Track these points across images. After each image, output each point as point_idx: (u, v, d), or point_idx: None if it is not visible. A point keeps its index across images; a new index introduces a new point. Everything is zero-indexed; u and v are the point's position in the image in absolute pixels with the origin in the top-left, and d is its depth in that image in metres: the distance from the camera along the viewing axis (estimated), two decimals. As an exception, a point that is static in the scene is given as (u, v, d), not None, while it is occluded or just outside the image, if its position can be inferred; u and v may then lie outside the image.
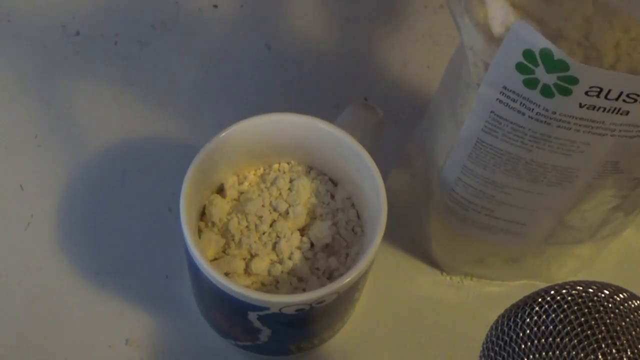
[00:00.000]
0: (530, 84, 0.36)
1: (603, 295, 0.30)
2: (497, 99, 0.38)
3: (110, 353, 0.49)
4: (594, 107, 0.36)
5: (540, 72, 0.36)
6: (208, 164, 0.44)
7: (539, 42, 0.35)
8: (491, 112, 0.39)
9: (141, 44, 0.59)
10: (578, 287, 0.31)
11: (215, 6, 0.61)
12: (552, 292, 0.31)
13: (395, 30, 0.61)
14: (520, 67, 0.36)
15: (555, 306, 0.30)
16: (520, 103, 0.37)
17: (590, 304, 0.30)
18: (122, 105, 0.56)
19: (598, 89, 0.35)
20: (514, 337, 0.31)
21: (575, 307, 0.30)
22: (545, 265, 0.50)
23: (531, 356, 0.30)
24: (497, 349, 0.31)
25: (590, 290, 0.31)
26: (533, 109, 0.37)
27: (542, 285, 0.31)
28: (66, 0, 0.60)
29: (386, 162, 0.47)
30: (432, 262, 0.52)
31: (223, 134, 0.44)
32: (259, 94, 0.57)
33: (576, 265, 0.50)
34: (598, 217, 0.44)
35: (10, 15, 0.59)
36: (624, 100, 0.36)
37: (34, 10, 0.59)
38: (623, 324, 0.30)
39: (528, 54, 0.35)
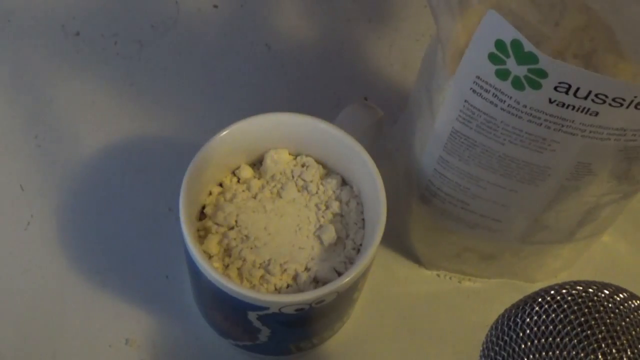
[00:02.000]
0: (502, 75, 0.37)
1: (603, 295, 0.30)
2: (471, 88, 0.38)
3: (110, 353, 0.49)
4: (563, 105, 0.36)
5: (512, 64, 0.36)
6: (207, 163, 0.44)
7: (510, 33, 0.35)
8: (465, 101, 0.39)
9: (141, 44, 0.59)
10: (578, 287, 0.31)
11: (216, 6, 0.61)
12: (552, 292, 0.31)
13: (395, 30, 0.61)
14: (492, 57, 0.36)
15: (555, 306, 0.30)
16: (493, 94, 0.38)
17: (590, 304, 0.30)
18: (122, 105, 0.56)
19: (567, 85, 0.35)
20: (514, 337, 0.31)
21: (575, 307, 0.30)
22: (523, 264, 0.50)
23: (531, 356, 0.30)
24: (497, 348, 0.31)
25: (590, 290, 0.31)
26: (505, 101, 0.38)
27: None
28: (66, 0, 0.60)
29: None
30: (413, 257, 0.52)
31: (222, 134, 0.44)
32: (258, 94, 0.57)
33: (555, 266, 0.50)
34: (574, 218, 0.45)
35: (10, 15, 0.59)
36: (592, 100, 0.36)
37: (34, 10, 0.59)
38: (623, 324, 0.30)
39: (500, 44, 0.36)
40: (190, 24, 0.60)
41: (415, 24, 0.61)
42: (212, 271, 0.40)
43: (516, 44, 0.35)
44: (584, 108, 0.36)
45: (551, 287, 0.31)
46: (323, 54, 0.59)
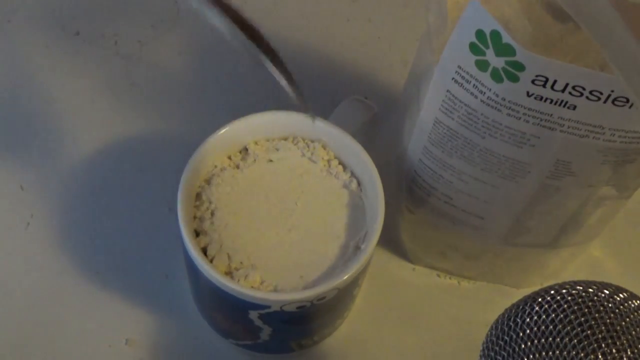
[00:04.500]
0: (482, 65, 0.37)
1: (603, 295, 0.30)
2: (453, 78, 0.39)
3: (110, 353, 0.48)
4: (541, 98, 0.36)
5: (490, 55, 0.36)
6: (206, 162, 0.44)
7: (490, 23, 0.35)
8: (447, 91, 0.39)
9: (141, 44, 0.59)
10: (578, 287, 0.31)
11: (215, 6, 0.61)
12: (552, 291, 0.31)
13: (395, 30, 0.61)
14: (473, 48, 0.36)
15: (555, 306, 0.30)
16: (473, 85, 0.38)
17: (590, 303, 0.30)
18: (122, 105, 0.56)
19: (544, 79, 0.36)
20: (514, 337, 0.31)
21: (575, 307, 0.30)
22: (507, 268, 0.50)
23: (531, 356, 0.30)
24: (497, 348, 0.31)
25: (590, 290, 0.31)
26: (484, 93, 0.38)
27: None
28: (66, 1, 0.60)
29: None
30: (403, 253, 0.52)
31: (220, 132, 0.44)
32: (258, 94, 0.57)
33: (540, 273, 0.50)
34: (556, 222, 0.45)
35: (11, 15, 0.59)
36: (570, 93, 0.36)
37: (34, 11, 0.59)
38: (623, 324, 0.30)
39: (480, 34, 0.36)
40: (190, 24, 0.60)
41: (415, 24, 0.61)
42: (212, 271, 0.40)
43: (495, 34, 0.35)
44: (562, 101, 0.36)
45: (551, 287, 0.31)
46: (323, 54, 0.59)
